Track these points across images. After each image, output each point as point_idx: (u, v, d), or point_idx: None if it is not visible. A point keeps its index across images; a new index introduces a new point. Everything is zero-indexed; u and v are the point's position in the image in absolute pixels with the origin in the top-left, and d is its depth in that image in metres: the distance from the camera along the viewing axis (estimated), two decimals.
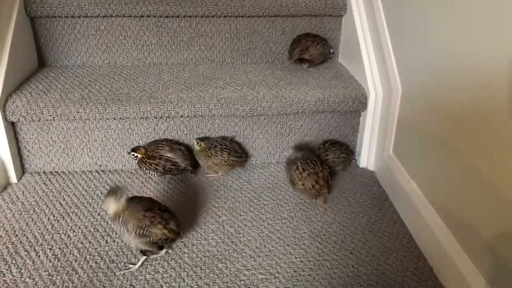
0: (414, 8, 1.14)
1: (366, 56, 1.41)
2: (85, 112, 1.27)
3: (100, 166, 1.40)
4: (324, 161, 1.34)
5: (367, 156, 1.44)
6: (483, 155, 0.88)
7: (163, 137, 1.38)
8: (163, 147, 1.30)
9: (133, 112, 1.28)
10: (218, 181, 1.36)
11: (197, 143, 1.33)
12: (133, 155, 1.30)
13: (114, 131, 1.35)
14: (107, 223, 1.17)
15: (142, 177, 1.36)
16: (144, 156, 1.30)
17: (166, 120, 1.36)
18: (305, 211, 1.24)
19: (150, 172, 1.30)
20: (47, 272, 1.01)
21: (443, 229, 1.03)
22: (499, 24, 0.82)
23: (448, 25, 0.98)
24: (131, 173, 1.38)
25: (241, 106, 1.32)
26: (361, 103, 1.37)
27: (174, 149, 1.31)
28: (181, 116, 1.33)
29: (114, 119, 1.33)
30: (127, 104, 1.28)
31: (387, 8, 1.30)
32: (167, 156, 1.30)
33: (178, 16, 1.52)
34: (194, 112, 1.31)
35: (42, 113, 1.26)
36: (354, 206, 1.26)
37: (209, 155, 1.31)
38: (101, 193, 1.29)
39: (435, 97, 1.06)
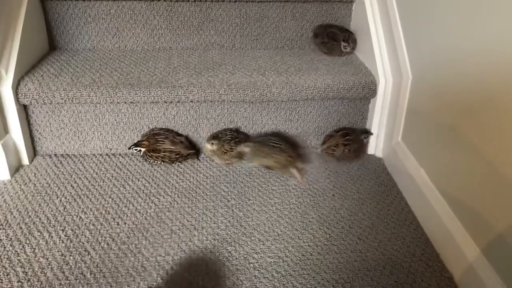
0: None
1: (377, 43, 1.40)
2: (96, 95, 1.28)
3: (111, 149, 1.41)
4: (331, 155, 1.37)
5: (376, 143, 1.44)
6: (492, 143, 0.88)
7: (173, 122, 1.39)
8: (163, 141, 1.32)
9: (144, 96, 1.29)
10: (227, 166, 1.37)
11: (211, 143, 1.31)
12: (135, 149, 1.33)
13: (125, 115, 1.37)
14: (118, 205, 1.19)
15: None
16: (148, 149, 1.31)
17: (176, 105, 1.37)
18: (313, 197, 1.25)
19: (157, 162, 1.34)
20: (60, 252, 1.04)
21: (450, 216, 1.04)
22: (510, 11, 0.81)
23: (459, 11, 0.98)
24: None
25: (250, 92, 1.33)
26: (370, 90, 1.37)
27: (175, 142, 1.33)
28: (191, 101, 1.33)
29: (125, 103, 1.34)
30: (138, 88, 1.29)
31: None
32: (171, 148, 1.31)
33: (188, 1, 1.52)
34: (204, 97, 1.32)
35: (54, 96, 1.27)
36: (362, 193, 1.27)
37: (225, 151, 1.31)
38: (112, 176, 1.30)
39: (445, 84, 1.06)
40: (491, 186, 0.89)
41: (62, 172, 1.32)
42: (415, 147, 1.24)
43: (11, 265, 1.00)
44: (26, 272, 0.98)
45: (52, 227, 1.11)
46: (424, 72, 1.16)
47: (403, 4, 1.27)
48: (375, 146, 1.45)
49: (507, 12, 0.82)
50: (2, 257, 1.02)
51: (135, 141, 1.35)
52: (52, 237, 1.08)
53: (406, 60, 1.25)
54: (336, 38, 1.52)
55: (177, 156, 1.33)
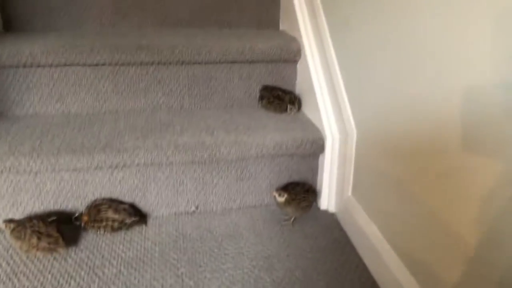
0: (364, 51, 1.17)
1: (322, 100, 1.43)
2: (36, 164, 1.22)
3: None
4: None
5: (328, 199, 1.44)
6: (436, 194, 0.89)
7: (119, 187, 1.34)
8: (105, 210, 1.27)
9: (87, 162, 1.24)
10: (177, 231, 1.32)
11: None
12: (76, 223, 1.28)
13: (68, 183, 1.30)
14: (59, 282, 1.10)
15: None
16: (88, 221, 1.27)
17: (121, 169, 1.32)
18: (267, 258, 1.21)
19: (99, 232, 1.28)
20: None
21: (405, 274, 1.02)
22: (449, 59, 0.83)
23: (394, 68, 1.01)
24: (82, 228, 1.32)
25: (199, 152, 1.31)
26: (318, 146, 1.38)
27: (118, 210, 1.28)
28: (137, 165, 1.29)
29: (67, 170, 1.28)
30: (81, 155, 1.24)
31: (339, 52, 1.34)
32: (113, 217, 1.26)
33: (134, 64, 1.51)
34: (151, 160, 1.28)
35: None
36: (316, 251, 1.24)
37: (17, 236, 1.17)
38: None
39: (388, 136, 1.07)
40: (439, 239, 0.89)
41: None
42: (365, 202, 1.24)
43: None
44: None
45: None
46: (368, 126, 1.19)
47: (344, 62, 1.31)
48: (327, 202, 1.44)
49: (445, 60, 0.85)
50: None
51: (76, 215, 1.30)
52: None
53: (350, 115, 1.28)
54: (282, 98, 1.55)
55: (120, 224, 1.27)
